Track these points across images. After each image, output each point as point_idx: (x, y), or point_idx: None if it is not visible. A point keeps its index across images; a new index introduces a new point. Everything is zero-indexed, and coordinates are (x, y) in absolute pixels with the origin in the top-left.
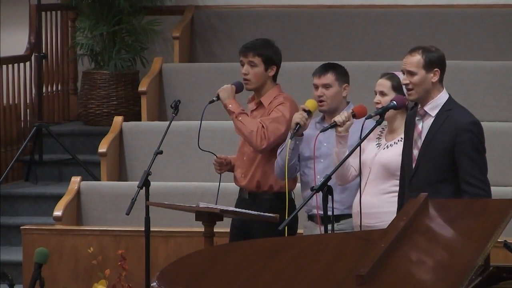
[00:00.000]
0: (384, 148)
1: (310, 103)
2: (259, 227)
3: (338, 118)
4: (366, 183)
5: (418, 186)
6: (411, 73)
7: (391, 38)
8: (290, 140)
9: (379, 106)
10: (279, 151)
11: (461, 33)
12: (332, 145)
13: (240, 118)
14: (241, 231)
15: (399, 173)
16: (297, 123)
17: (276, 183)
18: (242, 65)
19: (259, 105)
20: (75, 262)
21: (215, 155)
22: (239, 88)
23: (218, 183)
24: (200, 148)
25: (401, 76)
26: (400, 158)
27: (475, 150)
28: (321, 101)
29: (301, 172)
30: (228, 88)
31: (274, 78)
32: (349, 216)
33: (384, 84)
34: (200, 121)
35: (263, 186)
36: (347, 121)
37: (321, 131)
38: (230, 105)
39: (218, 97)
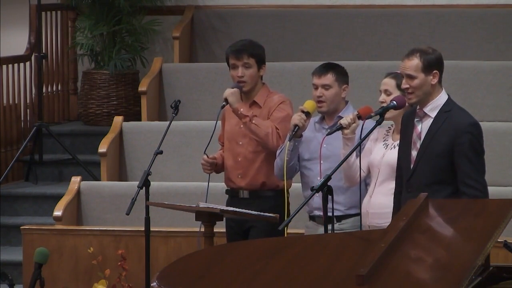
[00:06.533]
0: (391, 148)
1: (309, 105)
2: (257, 224)
3: (344, 121)
4: (375, 183)
5: (415, 187)
6: (410, 77)
7: (391, 38)
8: (288, 141)
9: (385, 105)
10: (278, 152)
11: (461, 33)
12: (332, 146)
13: (254, 121)
14: (238, 229)
15: None
16: (296, 125)
17: (281, 181)
18: (234, 67)
19: (253, 105)
20: (75, 262)
21: (206, 155)
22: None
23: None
24: (206, 154)
25: None
26: None
27: (474, 152)
28: (320, 102)
29: (301, 173)
30: (236, 92)
31: (261, 77)
32: (351, 216)
33: (389, 83)
34: (214, 126)
35: (269, 184)
36: (352, 123)
37: (327, 134)
38: (242, 109)
39: (227, 102)
